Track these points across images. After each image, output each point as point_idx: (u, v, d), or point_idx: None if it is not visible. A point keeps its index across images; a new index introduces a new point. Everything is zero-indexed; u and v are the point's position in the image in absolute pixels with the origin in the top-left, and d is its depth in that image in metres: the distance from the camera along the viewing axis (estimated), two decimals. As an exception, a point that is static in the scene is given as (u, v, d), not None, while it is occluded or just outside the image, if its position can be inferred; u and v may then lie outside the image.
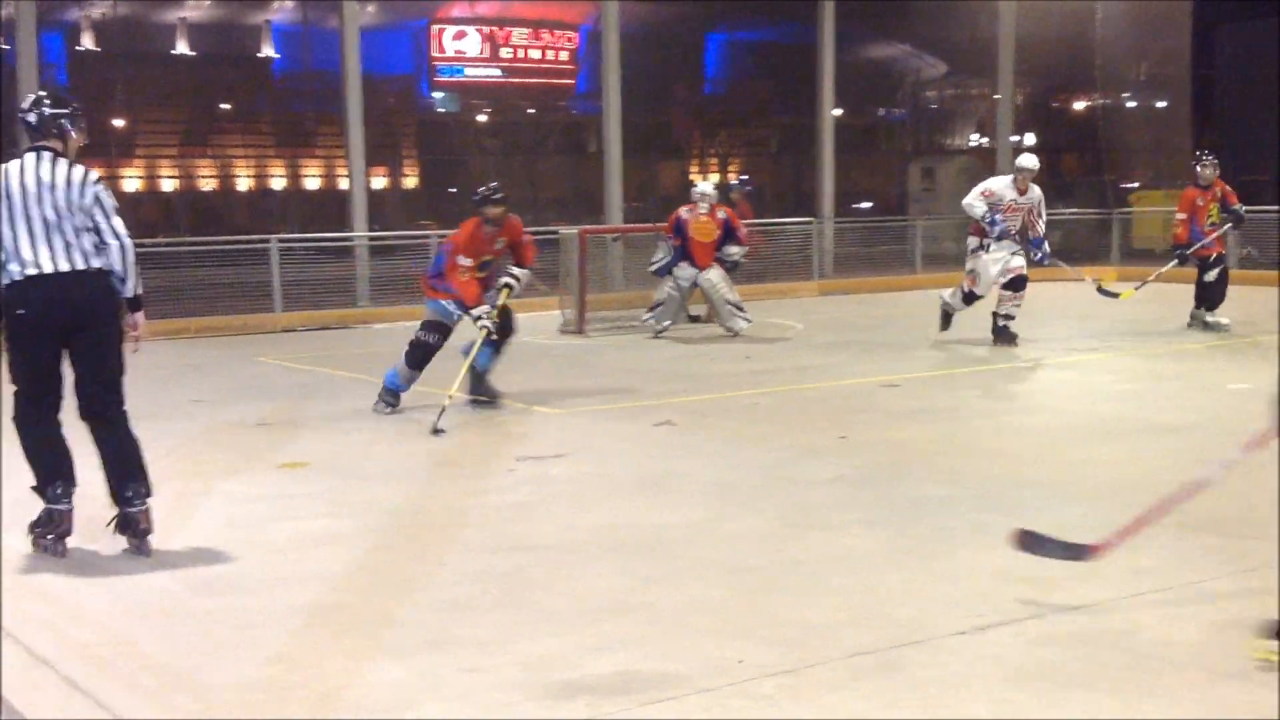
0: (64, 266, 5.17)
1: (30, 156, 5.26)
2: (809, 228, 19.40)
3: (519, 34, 27.85)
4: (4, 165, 5.26)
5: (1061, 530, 5.04)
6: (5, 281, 5.18)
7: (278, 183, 28.23)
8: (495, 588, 4.75)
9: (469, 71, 26.99)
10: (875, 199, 27.25)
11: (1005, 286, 11.38)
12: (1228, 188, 12.54)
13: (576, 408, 8.77)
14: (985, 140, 24.74)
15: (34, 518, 5.32)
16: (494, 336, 8.41)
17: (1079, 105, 30.99)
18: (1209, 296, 12.43)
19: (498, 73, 27.68)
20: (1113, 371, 10.21)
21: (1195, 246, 12.28)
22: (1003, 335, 11.44)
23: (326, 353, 12.57)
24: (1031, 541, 4.64)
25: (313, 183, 27.59)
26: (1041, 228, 11.70)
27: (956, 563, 4.94)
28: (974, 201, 11.44)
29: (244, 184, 28.25)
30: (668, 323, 12.97)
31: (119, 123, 26.37)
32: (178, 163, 27.38)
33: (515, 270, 8.63)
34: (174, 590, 4.84)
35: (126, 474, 5.29)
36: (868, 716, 3.53)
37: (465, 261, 8.34)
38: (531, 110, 28.40)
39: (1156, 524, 4.56)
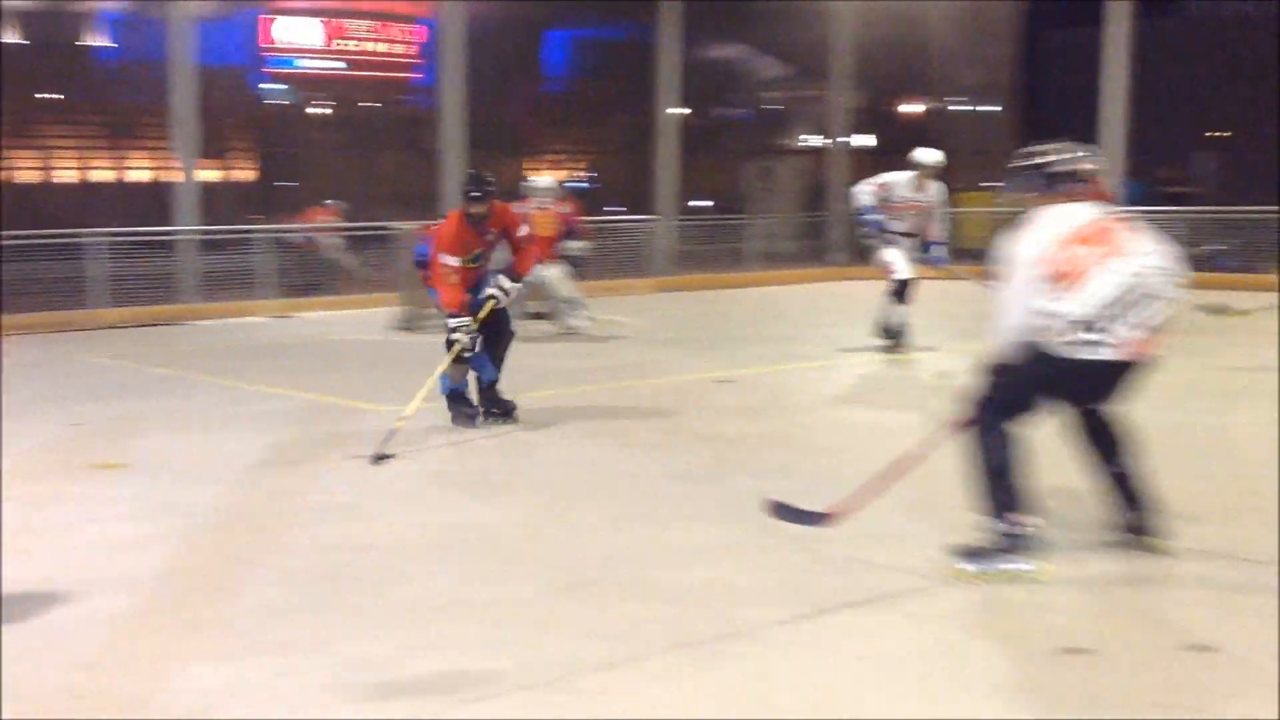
0: None
1: None
2: (647, 225, 19.50)
3: (360, 26, 27.40)
4: None
5: (880, 523, 5.19)
6: None
7: (102, 175, 27.31)
8: (315, 590, 4.65)
9: (307, 63, 26.49)
10: (716, 198, 27.54)
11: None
12: (1104, 189, 12.71)
13: (408, 406, 8.62)
14: (823, 140, 25.17)
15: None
16: (466, 354, 7.56)
17: (913, 108, 31.80)
18: None
19: (337, 64, 27.21)
20: (951, 366, 10.42)
21: None
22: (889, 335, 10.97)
23: (151, 350, 12.18)
24: (780, 511, 5.04)
25: (140, 175, 26.75)
26: (939, 230, 11.27)
27: (781, 556, 4.99)
28: (862, 190, 11.06)
29: (66, 176, 27.26)
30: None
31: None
32: (-3, 153, 26.27)
33: (504, 282, 7.69)
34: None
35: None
36: (691, 709, 3.54)
37: (451, 260, 7.49)
38: (372, 104, 28.01)
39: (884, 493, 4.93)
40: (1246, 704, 3.46)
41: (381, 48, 27.38)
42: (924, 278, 11.23)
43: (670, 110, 21.33)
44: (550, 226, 12.75)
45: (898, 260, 10.95)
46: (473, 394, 7.87)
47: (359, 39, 27.15)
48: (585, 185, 30.85)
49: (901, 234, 10.99)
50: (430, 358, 8.05)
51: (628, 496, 6.04)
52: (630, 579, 4.74)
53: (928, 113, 31.67)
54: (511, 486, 6.27)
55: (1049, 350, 4.53)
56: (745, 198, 26.36)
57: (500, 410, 7.86)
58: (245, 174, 27.45)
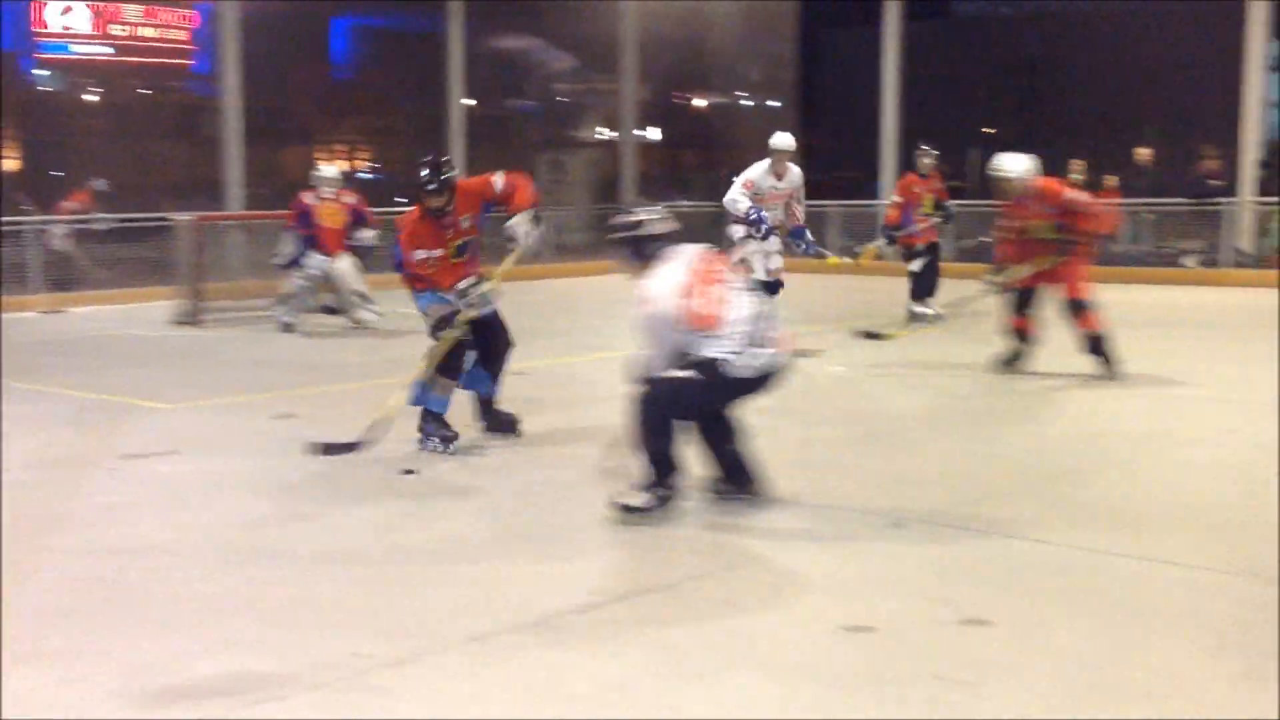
0: None
1: None
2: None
3: (132, 11, 26.36)
4: None
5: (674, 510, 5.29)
6: None
7: None
8: (93, 593, 4.46)
9: (76, 49, 25.34)
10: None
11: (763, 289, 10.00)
12: (942, 185, 12.61)
13: (188, 402, 8.37)
14: (612, 134, 25.37)
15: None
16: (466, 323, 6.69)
17: (698, 102, 32.28)
18: (917, 286, 12.38)
19: (108, 50, 26.12)
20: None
21: (904, 232, 12.29)
22: None
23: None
24: (324, 448, 5.95)
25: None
26: (801, 214, 11.02)
27: (572, 546, 5.01)
28: (737, 197, 10.62)
29: None
30: (295, 318, 12.56)
31: None
32: None
33: (516, 224, 6.82)
34: None
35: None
36: (488, 702, 3.53)
37: (427, 255, 6.75)
38: (145, 91, 26.99)
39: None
40: (1023, 677, 3.62)
41: (153, 33, 26.40)
42: (782, 272, 10.82)
43: (459, 101, 21.19)
44: (337, 218, 12.51)
45: (755, 260, 10.52)
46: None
47: (129, 24, 26.12)
48: (373, 176, 30.34)
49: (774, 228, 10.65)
50: (215, 353, 7.81)
51: (414, 490, 5.97)
52: (418, 573, 4.69)
53: (712, 107, 32.21)
54: (294, 483, 6.12)
55: (719, 370, 5.11)
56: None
57: (502, 427, 7.04)
58: (12, 163, 26.14)
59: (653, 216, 5.44)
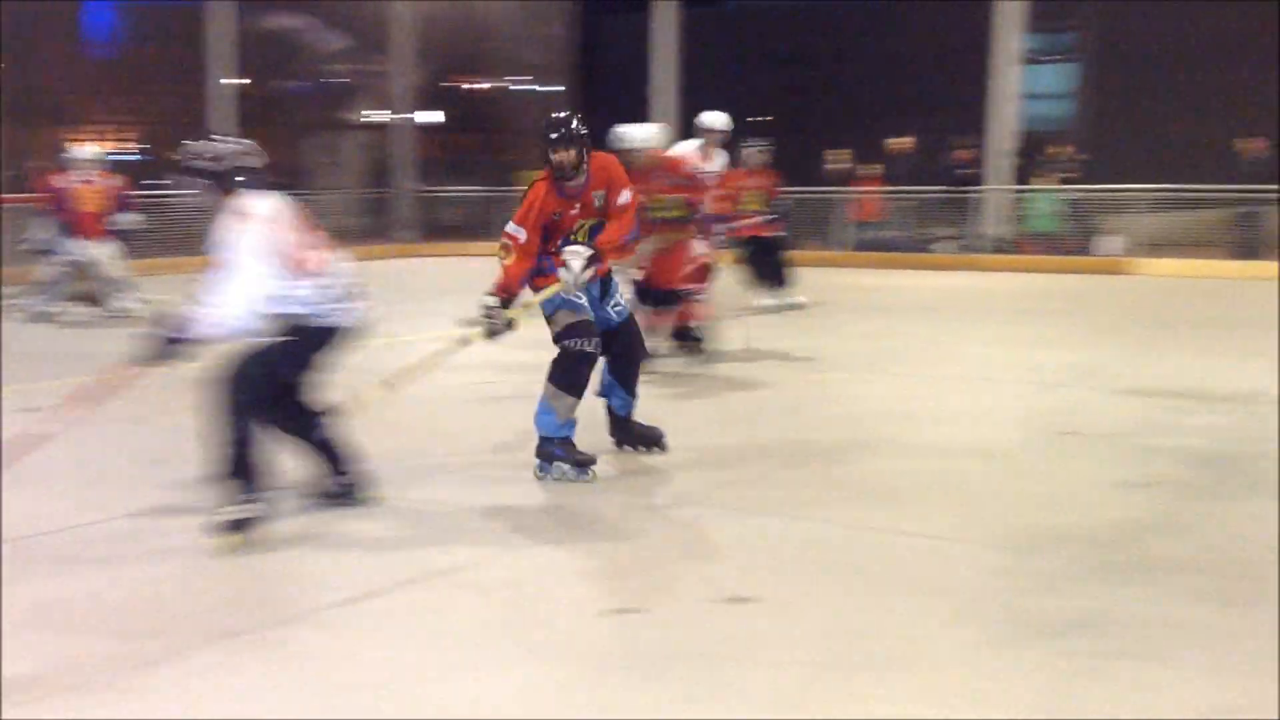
0: None
1: None
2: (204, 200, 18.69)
3: None
4: None
5: (429, 500, 5.27)
6: None
7: None
8: None
9: None
10: (278, 172, 26.74)
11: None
12: (773, 180, 12.36)
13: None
14: (388, 116, 24.98)
15: None
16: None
17: (477, 86, 32.07)
18: (765, 278, 12.13)
19: None
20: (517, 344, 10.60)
21: (732, 226, 11.68)
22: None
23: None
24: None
25: None
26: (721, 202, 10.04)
27: (330, 538, 4.94)
28: None
29: None
30: (52, 307, 11.98)
31: None
32: None
33: (574, 254, 5.55)
34: None
35: None
36: (247, 700, 3.46)
37: (518, 232, 5.61)
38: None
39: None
40: (786, 651, 3.74)
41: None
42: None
43: (224, 80, 20.55)
44: (96, 201, 11.99)
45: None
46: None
47: None
48: (136, 157, 29.15)
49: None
50: None
51: (170, 484, 5.73)
52: (174, 571, 4.55)
53: (493, 91, 32.06)
54: (39, 481, 5.79)
55: (302, 324, 4.85)
56: (309, 172, 25.77)
57: (646, 441, 6.17)
58: None
59: (241, 148, 5.05)
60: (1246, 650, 3.68)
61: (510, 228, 5.63)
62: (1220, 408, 7.28)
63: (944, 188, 18.87)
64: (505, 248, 5.62)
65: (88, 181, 11.95)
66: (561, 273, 5.55)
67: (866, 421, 7.10)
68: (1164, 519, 4.98)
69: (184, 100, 25.81)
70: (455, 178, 23.87)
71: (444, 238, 21.03)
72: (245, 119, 20.78)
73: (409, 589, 4.32)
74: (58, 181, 11.96)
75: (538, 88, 31.57)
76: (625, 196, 5.74)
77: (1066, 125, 23.88)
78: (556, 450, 5.64)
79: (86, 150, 12.46)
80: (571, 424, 5.67)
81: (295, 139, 27.63)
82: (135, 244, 12.48)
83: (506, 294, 5.60)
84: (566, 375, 5.63)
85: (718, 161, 10.64)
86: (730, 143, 11.32)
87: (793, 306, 12.22)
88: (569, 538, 4.94)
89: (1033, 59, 20.52)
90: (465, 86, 31.86)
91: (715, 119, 10.67)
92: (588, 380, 5.69)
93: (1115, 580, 4.26)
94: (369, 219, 22.20)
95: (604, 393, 6.05)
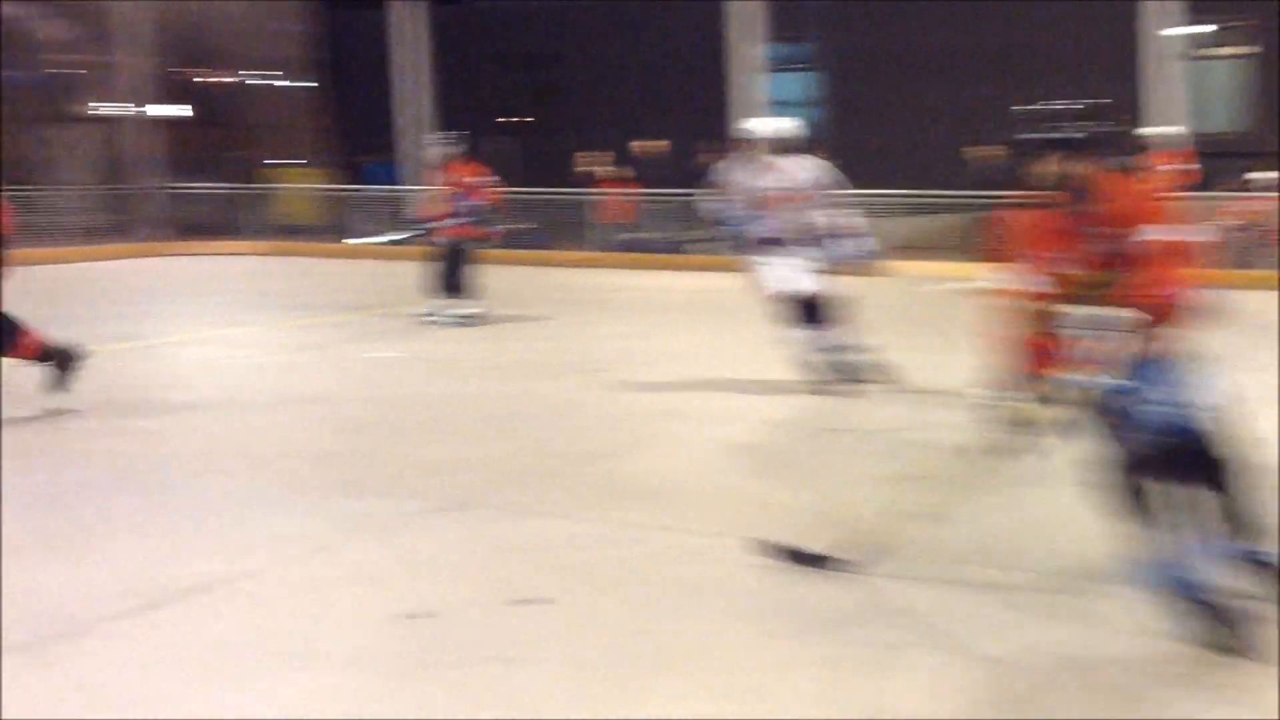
0: None
1: None
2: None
3: None
4: None
5: (209, 505, 5.16)
6: None
7: None
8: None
9: None
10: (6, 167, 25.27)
11: None
12: (471, 176, 11.61)
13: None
14: (120, 109, 23.92)
15: None
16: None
17: (221, 80, 31.01)
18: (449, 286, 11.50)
19: None
20: (254, 345, 10.37)
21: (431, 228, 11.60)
22: None
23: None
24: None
25: None
26: (845, 218, 8.20)
27: (105, 548, 4.79)
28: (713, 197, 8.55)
29: None
30: None
31: None
32: None
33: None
34: None
35: None
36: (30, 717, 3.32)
37: (1037, 281, 3.85)
38: None
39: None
40: (578, 652, 3.81)
41: None
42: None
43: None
44: None
45: (777, 275, 7.98)
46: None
47: None
48: None
49: (774, 239, 7.95)
50: None
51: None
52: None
53: (231, 85, 31.06)
54: None
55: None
56: (39, 167, 24.43)
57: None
58: None
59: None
60: (1029, 639, 3.82)
61: (1023, 276, 3.89)
62: (962, 403, 7.66)
63: (693, 191, 19.27)
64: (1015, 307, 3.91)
65: None
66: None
67: (630, 422, 7.21)
68: (934, 509, 5.18)
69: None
70: (200, 173, 23.06)
71: (189, 236, 20.30)
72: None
73: (186, 599, 4.22)
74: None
75: (281, 83, 30.77)
76: (1168, 233, 3.76)
77: (815, 132, 24.67)
78: (1194, 606, 3.65)
79: None
80: (1185, 564, 3.65)
81: (20, 131, 26.14)
82: None
83: (1028, 379, 3.91)
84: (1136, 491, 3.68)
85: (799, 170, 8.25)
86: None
87: (469, 319, 11.34)
88: (349, 544, 4.88)
89: (777, 67, 21.15)
90: (203, 80, 30.78)
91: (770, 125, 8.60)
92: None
93: (891, 571, 4.34)
94: (109, 216, 21.22)
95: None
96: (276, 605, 4.18)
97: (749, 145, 8.20)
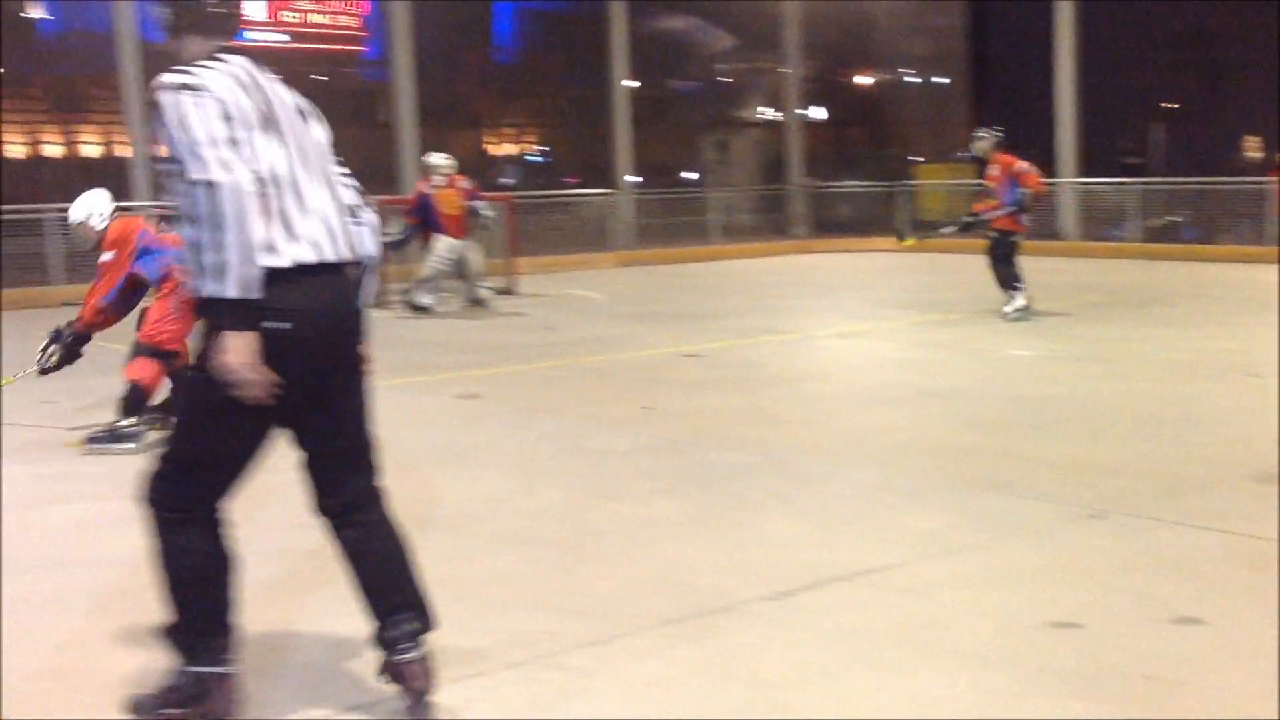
0: (340, 252, 3.23)
1: (237, 59, 3.20)
2: (606, 199, 19.48)
3: (302, -1, 27.08)
4: (202, 74, 3.09)
5: (853, 496, 5.26)
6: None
7: (51, 150, 26.90)
8: (297, 566, 4.62)
9: (251, 36, 26.14)
10: (670, 171, 27.56)
11: None
12: (1010, 159, 11.62)
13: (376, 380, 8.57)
14: (775, 113, 25.22)
15: (161, 687, 3.29)
16: None
17: (864, 80, 31.88)
18: (1001, 277, 11.52)
19: (283, 38, 26.88)
20: (896, 339, 10.53)
21: (989, 217, 11.61)
22: None
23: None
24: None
25: (90, 150, 26.45)
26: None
27: (755, 530, 5.01)
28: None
29: (14, 151, 26.79)
30: (430, 299, 12.85)
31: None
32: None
33: None
34: (-52, 580, 4.56)
35: (390, 596, 3.37)
36: (679, 683, 3.55)
37: None
38: (319, 77, 27.70)
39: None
40: (1233, 675, 3.51)
41: (324, 19, 27.15)
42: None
43: (623, 82, 21.28)
44: (454, 204, 12.76)
45: None
46: None
47: (301, 11, 26.89)
48: (540, 159, 30.75)
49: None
50: (388, 333, 7.78)
51: (599, 471, 6.04)
52: (607, 554, 4.74)
53: (878, 85, 31.78)
54: (482, 461, 6.25)
55: None
56: (701, 171, 26.37)
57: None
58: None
59: None
60: None
61: None
62: None
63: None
64: None
65: (446, 186, 12.76)
66: None
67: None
68: None
69: (581, 103, 26.98)
70: (844, 173, 23.81)
71: (833, 234, 21.01)
72: (638, 120, 21.46)
73: (833, 586, 4.32)
74: (422, 188, 12.94)
75: (926, 80, 31.04)
76: None
77: None
78: None
79: (436, 156, 13.25)
80: None
81: (687, 138, 28.33)
82: (537, 240, 13.20)
83: None
84: None
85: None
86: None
87: (1021, 312, 11.27)
88: (997, 546, 4.79)
89: None
90: (853, 80, 31.72)
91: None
92: None
93: None
94: (764, 216, 22.46)
95: None
96: (912, 599, 4.19)
97: None
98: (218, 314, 2.97)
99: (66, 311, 12.70)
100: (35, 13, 25.45)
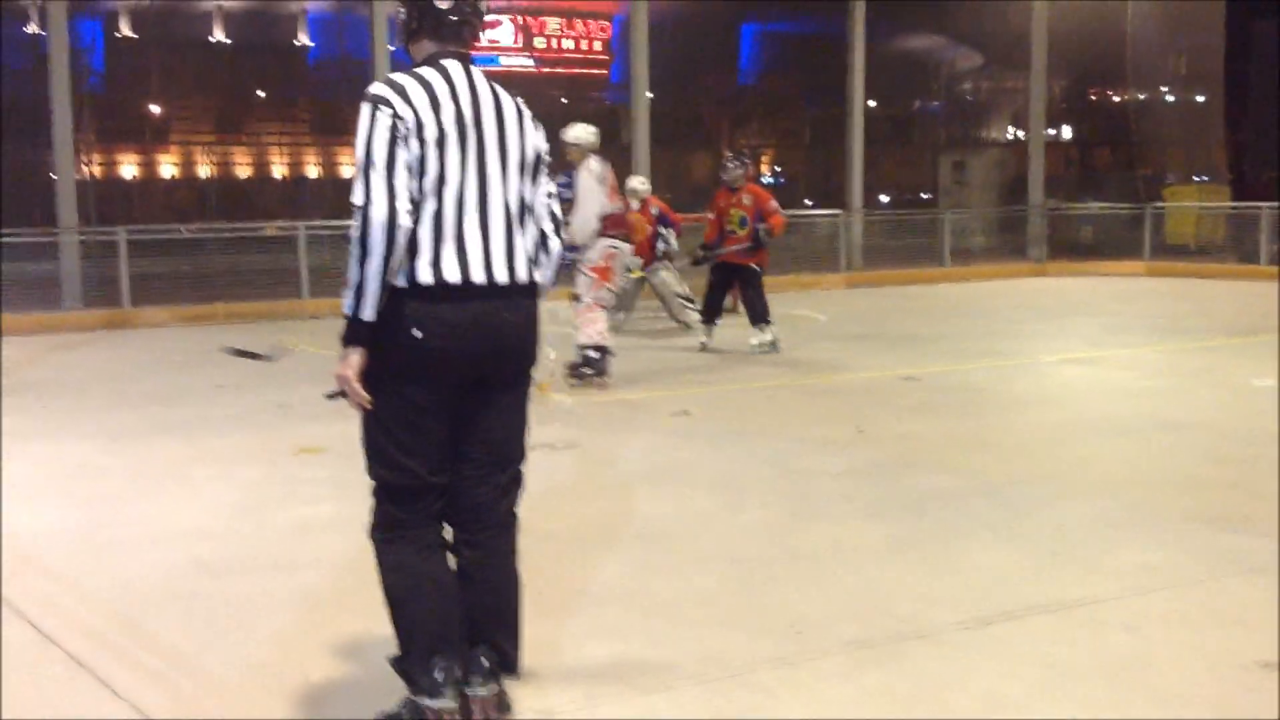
0: (511, 275, 3.25)
1: (455, 67, 3.25)
2: (837, 219, 19.36)
3: (552, 24, 27.88)
4: (400, 77, 3.20)
5: (1068, 526, 5.10)
6: (402, 283, 3.09)
7: (311, 170, 28.37)
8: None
9: (503, 61, 27.00)
10: (905, 191, 27.20)
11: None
12: (765, 194, 11.31)
13: (590, 396, 8.77)
14: (1019, 133, 24.60)
15: (383, 713, 3.31)
16: None
17: (1112, 99, 30.78)
18: (750, 309, 11.07)
19: (530, 62, 27.71)
20: (1132, 367, 10.14)
21: (719, 252, 11.13)
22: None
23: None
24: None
25: (347, 170, 27.81)
26: None
27: (959, 557, 4.91)
28: None
29: (278, 171, 28.39)
30: (620, 315, 12.96)
31: (155, 109, 26.52)
32: (212, 150, 27.54)
33: None
34: (178, 571, 4.87)
35: (485, 626, 3.32)
36: (866, 709, 3.52)
37: None
38: (565, 100, 28.40)
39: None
40: None
41: (571, 44, 27.82)
42: None
43: (862, 103, 21.11)
44: (642, 228, 12.80)
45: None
46: None
47: (550, 36, 27.63)
48: (775, 180, 30.81)
49: None
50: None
51: (805, 492, 6.01)
52: (805, 576, 4.72)
53: (1129, 103, 30.64)
54: (689, 479, 6.30)
55: None
56: (938, 192, 25.94)
57: None
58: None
59: None
60: None
61: None
62: None
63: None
64: None
65: (640, 209, 12.82)
66: None
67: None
68: None
69: (817, 123, 26.87)
70: (1088, 194, 23.04)
71: (1074, 257, 20.33)
72: (874, 140, 21.24)
73: (1035, 618, 4.20)
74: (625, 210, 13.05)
75: (1181, 98, 29.77)
76: None
77: None
78: None
79: (635, 180, 13.31)
80: None
81: (924, 159, 27.92)
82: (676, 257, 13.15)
83: None
84: None
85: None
86: None
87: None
88: (1213, 583, 4.58)
89: None
90: (1104, 99, 30.66)
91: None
92: None
93: None
94: (1000, 238, 21.92)
95: None
96: (1118, 635, 4.03)
97: None
98: (347, 327, 3.10)
99: (311, 324, 13.28)
100: (301, 39, 26.88)
